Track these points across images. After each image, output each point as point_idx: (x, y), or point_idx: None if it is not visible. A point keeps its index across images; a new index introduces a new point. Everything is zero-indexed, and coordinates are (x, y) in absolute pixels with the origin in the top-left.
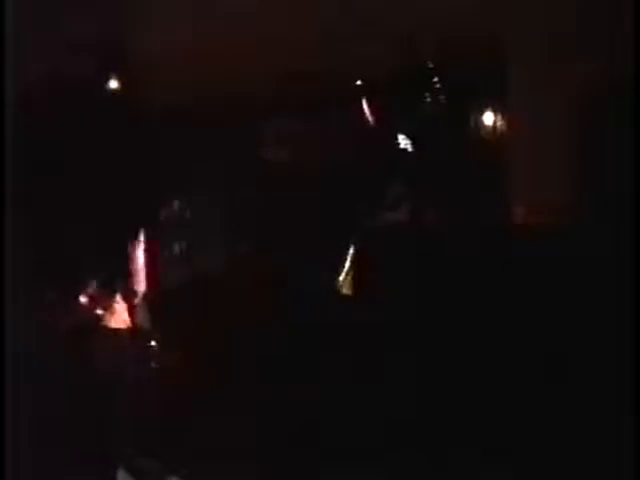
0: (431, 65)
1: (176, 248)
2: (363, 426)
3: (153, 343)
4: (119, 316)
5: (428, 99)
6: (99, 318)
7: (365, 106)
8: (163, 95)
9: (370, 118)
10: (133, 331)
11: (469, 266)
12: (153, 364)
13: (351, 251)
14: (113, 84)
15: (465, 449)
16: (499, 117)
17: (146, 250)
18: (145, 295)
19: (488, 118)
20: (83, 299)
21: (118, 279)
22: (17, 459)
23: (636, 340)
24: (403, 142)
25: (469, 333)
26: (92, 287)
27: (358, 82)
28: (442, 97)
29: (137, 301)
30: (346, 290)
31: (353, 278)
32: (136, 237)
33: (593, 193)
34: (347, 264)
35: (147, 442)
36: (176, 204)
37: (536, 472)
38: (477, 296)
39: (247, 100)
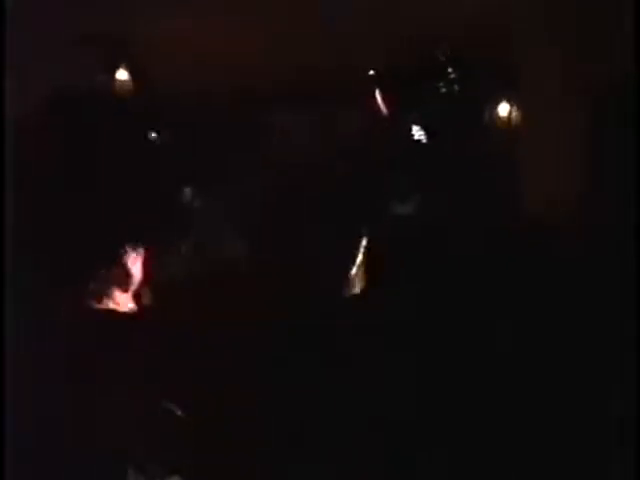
0: (443, 56)
1: (178, 242)
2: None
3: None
4: (124, 303)
5: (443, 89)
6: (102, 310)
7: (378, 97)
8: (163, 92)
9: (382, 108)
10: (140, 317)
11: (479, 260)
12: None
13: (363, 244)
14: (113, 80)
15: (465, 451)
16: (509, 113)
17: (152, 249)
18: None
19: (497, 114)
20: (83, 294)
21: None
22: (17, 459)
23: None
24: (417, 133)
25: (473, 332)
26: (91, 281)
27: (370, 72)
28: (455, 87)
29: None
30: (359, 283)
31: (365, 271)
32: (135, 231)
33: (602, 188)
34: (359, 257)
35: (152, 440)
36: (179, 198)
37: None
38: (482, 293)
39: (254, 93)
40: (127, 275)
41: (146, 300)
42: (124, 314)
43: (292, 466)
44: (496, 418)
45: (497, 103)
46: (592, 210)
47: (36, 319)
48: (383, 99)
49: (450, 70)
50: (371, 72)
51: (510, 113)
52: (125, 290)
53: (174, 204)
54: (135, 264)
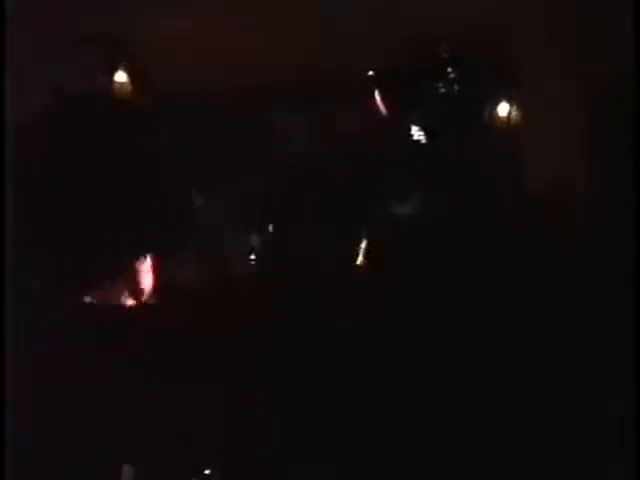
0: (445, 55)
1: (182, 245)
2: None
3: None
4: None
5: (442, 89)
6: (103, 311)
7: (377, 97)
8: (163, 92)
9: (382, 109)
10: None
11: (479, 260)
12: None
13: (363, 245)
14: (112, 81)
15: (465, 451)
16: (509, 113)
17: (151, 250)
18: (150, 293)
19: (497, 114)
20: (83, 295)
21: (123, 278)
22: (17, 459)
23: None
24: (416, 133)
25: (473, 332)
26: (99, 286)
27: (370, 73)
28: (455, 87)
29: (143, 298)
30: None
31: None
32: (142, 237)
33: (602, 188)
34: (360, 257)
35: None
36: (184, 200)
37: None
38: (482, 292)
39: (254, 93)
40: (135, 280)
41: (149, 301)
42: (125, 315)
43: (292, 465)
44: (496, 418)
45: (497, 103)
46: (592, 210)
47: (36, 319)
48: (382, 99)
49: (450, 70)
50: (370, 72)
51: (510, 113)
52: (134, 296)
53: (174, 205)
54: (143, 270)
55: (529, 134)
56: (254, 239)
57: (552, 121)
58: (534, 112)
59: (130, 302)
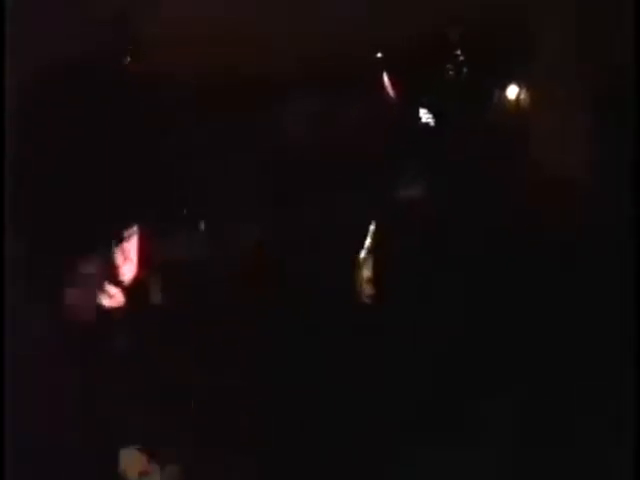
0: (454, 38)
1: (187, 232)
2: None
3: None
4: (115, 298)
5: (450, 72)
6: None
7: (386, 80)
8: (175, 75)
9: (390, 92)
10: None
11: (478, 261)
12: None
13: (371, 228)
14: (121, 63)
15: (464, 452)
16: (521, 94)
17: (140, 234)
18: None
19: (509, 95)
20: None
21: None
22: (17, 459)
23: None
24: (424, 117)
25: (472, 331)
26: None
27: (378, 55)
28: (464, 70)
29: (127, 283)
30: (367, 268)
31: (374, 256)
32: (132, 221)
33: (602, 188)
34: (367, 242)
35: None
36: (190, 190)
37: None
38: (481, 292)
39: (265, 80)
40: (123, 258)
41: (152, 297)
42: (125, 311)
43: (291, 463)
44: (495, 419)
45: (501, 94)
46: (592, 210)
47: (36, 319)
48: (391, 82)
49: (459, 52)
50: (378, 55)
51: (510, 111)
52: (117, 280)
53: (171, 189)
54: (131, 247)
55: (528, 134)
56: (254, 223)
57: (551, 121)
58: (532, 113)
59: (125, 289)
